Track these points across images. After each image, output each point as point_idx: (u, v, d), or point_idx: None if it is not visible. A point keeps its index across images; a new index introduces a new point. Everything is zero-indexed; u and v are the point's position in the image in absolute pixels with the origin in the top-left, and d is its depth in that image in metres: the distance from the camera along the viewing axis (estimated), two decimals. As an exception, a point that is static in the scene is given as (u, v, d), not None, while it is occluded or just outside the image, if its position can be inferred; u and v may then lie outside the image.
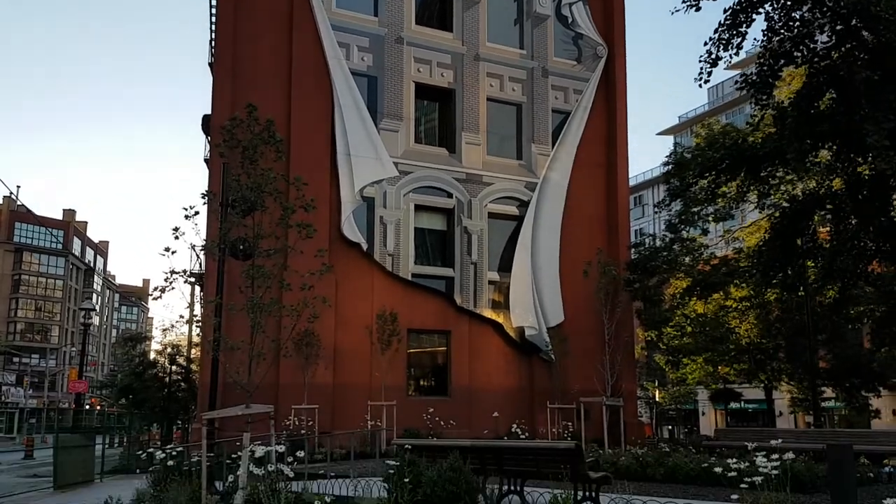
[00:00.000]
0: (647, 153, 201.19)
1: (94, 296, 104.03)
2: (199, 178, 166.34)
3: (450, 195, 27.09)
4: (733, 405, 45.99)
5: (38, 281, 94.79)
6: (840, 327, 29.49)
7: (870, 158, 14.40)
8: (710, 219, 26.92)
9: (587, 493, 8.78)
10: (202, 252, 12.57)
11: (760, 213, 26.39)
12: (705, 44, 15.62)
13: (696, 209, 25.88)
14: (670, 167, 26.72)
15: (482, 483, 9.42)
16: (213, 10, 26.69)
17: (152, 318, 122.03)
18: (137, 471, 18.79)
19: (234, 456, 13.82)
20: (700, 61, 15.67)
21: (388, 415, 22.00)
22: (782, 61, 15.00)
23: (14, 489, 16.09)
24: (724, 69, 19.19)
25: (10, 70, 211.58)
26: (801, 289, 22.15)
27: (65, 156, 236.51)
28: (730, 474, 6.76)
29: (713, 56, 15.46)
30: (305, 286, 11.36)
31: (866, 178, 15.12)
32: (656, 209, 30.02)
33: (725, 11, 15.26)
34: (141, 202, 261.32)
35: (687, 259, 27.63)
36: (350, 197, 25.26)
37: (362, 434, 20.98)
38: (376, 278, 25.40)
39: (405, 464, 8.89)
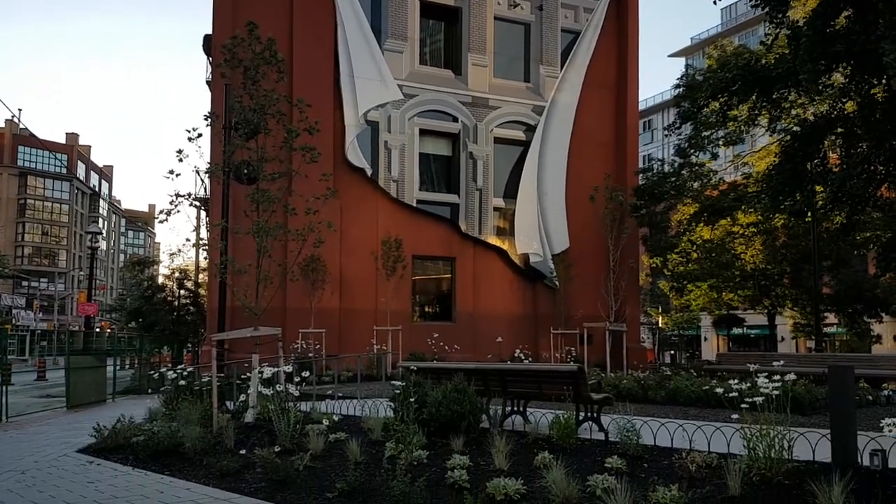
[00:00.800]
0: (657, 76, 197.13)
1: (101, 220, 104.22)
2: (203, 103, 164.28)
3: (455, 119, 26.67)
4: (736, 331, 46.47)
5: (43, 205, 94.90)
6: (845, 253, 29.50)
7: (885, 79, 14.04)
8: (720, 143, 26.55)
9: (589, 414, 8.93)
10: (207, 175, 12.48)
11: (771, 137, 25.98)
12: (721, -41, 14.99)
13: (706, 133, 25.49)
14: (681, 90, 26.17)
15: (486, 404, 9.58)
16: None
17: (159, 243, 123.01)
18: (149, 391, 19.23)
19: (243, 377, 14.09)
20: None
21: (394, 340, 22.31)
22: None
23: (28, 409, 16.51)
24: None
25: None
26: (809, 214, 22.02)
27: (66, 81, 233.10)
28: (731, 395, 6.82)
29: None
30: (310, 211, 11.31)
31: (880, 100, 14.77)
32: (666, 133, 29.62)
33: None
34: (144, 128, 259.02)
35: (695, 184, 27.40)
36: (354, 121, 24.90)
37: (368, 357, 21.33)
38: (381, 204, 25.31)
39: (411, 385, 9.03)
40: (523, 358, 24.70)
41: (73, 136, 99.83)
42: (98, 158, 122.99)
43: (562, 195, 27.61)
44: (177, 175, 11.13)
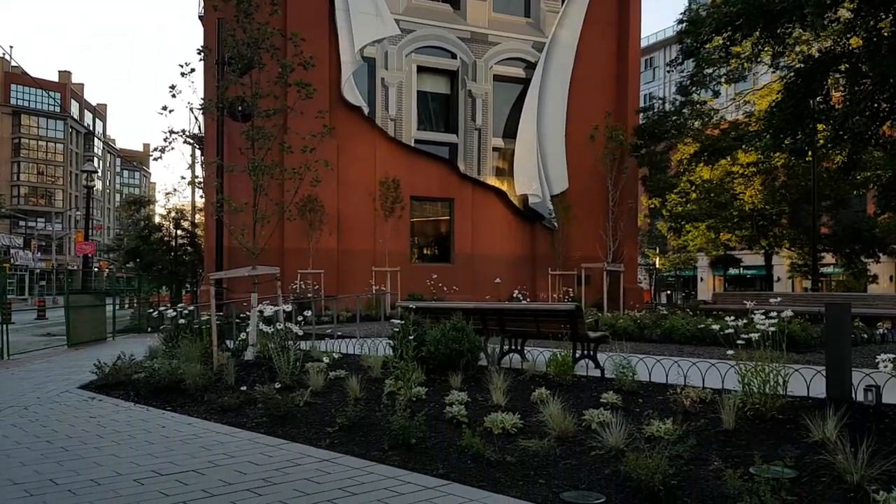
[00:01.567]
0: (659, 13, 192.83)
1: (96, 160, 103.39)
2: (196, 38, 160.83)
3: (454, 56, 26.15)
4: (732, 271, 46.75)
5: (38, 144, 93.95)
6: (845, 193, 29.48)
7: (892, 13, 13.70)
8: (722, 81, 26.16)
9: (585, 352, 9.02)
10: (201, 112, 12.26)
11: (773, 74, 25.58)
12: None
13: (708, 70, 25.10)
14: (684, 25, 25.59)
15: (484, 343, 9.66)
16: None
17: (154, 183, 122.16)
18: (149, 330, 19.35)
19: (242, 316, 14.17)
20: None
21: (392, 281, 22.38)
22: None
23: (29, 347, 16.64)
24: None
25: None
26: (810, 153, 21.84)
27: (55, 16, 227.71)
28: (727, 331, 6.86)
29: None
30: (307, 149, 11.17)
31: (886, 35, 14.46)
32: (669, 69, 29.11)
33: None
34: (137, 67, 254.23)
35: (696, 123, 27.11)
36: (350, 57, 24.40)
37: (367, 298, 21.43)
38: (378, 144, 25.03)
39: (410, 323, 9.08)
40: (521, 299, 24.85)
41: (65, 75, 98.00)
42: (91, 97, 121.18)
43: (562, 135, 27.30)
44: (170, 111, 10.99)
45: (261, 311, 10.48)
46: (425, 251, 27.35)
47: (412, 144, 25.50)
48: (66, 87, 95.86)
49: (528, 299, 25.45)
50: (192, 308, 14.32)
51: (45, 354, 15.24)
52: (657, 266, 55.49)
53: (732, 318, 7.47)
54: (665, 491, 4.21)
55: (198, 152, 24.95)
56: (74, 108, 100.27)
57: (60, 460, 5.62)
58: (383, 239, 23.18)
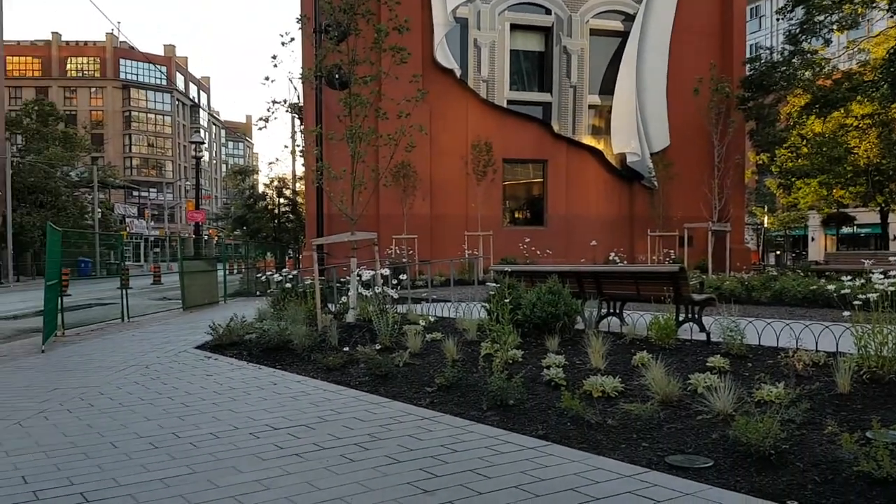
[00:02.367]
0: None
1: (202, 131, 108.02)
2: (293, 8, 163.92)
3: (548, 11, 25.53)
4: (845, 230, 44.21)
5: (147, 117, 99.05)
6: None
7: None
8: (834, 28, 24.47)
9: (689, 315, 8.76)
10: (300, 80, 12.53)
11: (890, 20, 23.71)
12: None
13: (819, 18, 23.55)
14: (794, -31, 24.06)
15: (580, 306, 9.54)
16: None
17: (257, 153, 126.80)
18: (257, 294, 20.23)
19: (342, 280, 14.59)
20: None
21: (485, 245, 22.40)
22: None
23: (147, 310, 17.75)
24: None
25: None
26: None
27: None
28: (842, 292, 6.50)
29: None
30: (402, 113, 11.24)
31: None
32: (778, 17, 27.45)
33: None
34: (236, 41, 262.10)
35: (807, 74, 25.48)
36: (442, 19, 24.26)
37: (460, 262, 21.58)
38: (471, 106, 24.91)
39: (505, 286, 9.07)
40: (618, 261, 24.37)
41: (170, 48, 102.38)
42: (194, 70, 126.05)
43: (662, 89, 26.28)
44: (272, 81, 11.26)
45: (359, 276, 10.74)
46: (518, 215, 27.18)
47: (504, 105, 25.22)
48: (170, 61, 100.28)
49: (626, 262, 24.92)
50: (295, 273, 14.85)
51: (162, 317, 16.21)
52: (765, 225, 53.14)
53: (848, 278, 7.08)
54: (776, 455, 4.07)
55: (298, 121, 25.63)
56: (180, 81, 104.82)
57: (181, 415, 5.99)
58: (475, 203, 23.17)
